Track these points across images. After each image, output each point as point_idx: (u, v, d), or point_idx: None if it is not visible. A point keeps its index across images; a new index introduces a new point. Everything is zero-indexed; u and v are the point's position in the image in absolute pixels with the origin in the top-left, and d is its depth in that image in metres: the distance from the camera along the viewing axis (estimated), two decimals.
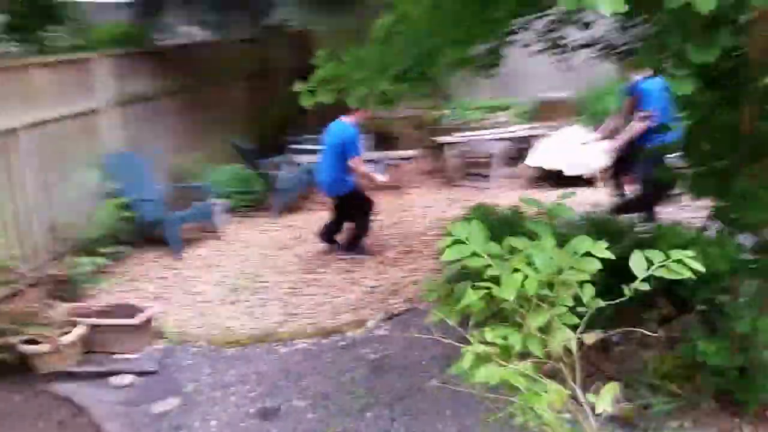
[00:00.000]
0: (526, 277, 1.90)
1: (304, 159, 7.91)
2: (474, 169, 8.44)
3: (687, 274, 1.85)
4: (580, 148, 7.79)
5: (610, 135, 6.35)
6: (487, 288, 1.91)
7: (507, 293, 1.84)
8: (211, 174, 7.53)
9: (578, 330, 1.92)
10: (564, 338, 1.87)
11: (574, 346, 1.88)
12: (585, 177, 7.69)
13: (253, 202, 7.67)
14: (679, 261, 1.88)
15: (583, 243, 2.00)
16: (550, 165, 7.80)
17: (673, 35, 2.36)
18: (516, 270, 1.92)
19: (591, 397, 1.86)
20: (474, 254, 2.04)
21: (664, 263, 1.89)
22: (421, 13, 3.59)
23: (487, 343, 1.89)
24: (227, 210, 7.33)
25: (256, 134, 8.59)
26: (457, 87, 10.64)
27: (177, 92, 7.63)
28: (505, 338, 1.88)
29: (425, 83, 3.17)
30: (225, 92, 8.65)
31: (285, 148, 8.42)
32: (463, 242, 2.06)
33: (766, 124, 2.90)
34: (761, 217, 2.90)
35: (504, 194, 7.69)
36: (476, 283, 1.95)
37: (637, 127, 5.78)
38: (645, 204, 5.86)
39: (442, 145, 8.76)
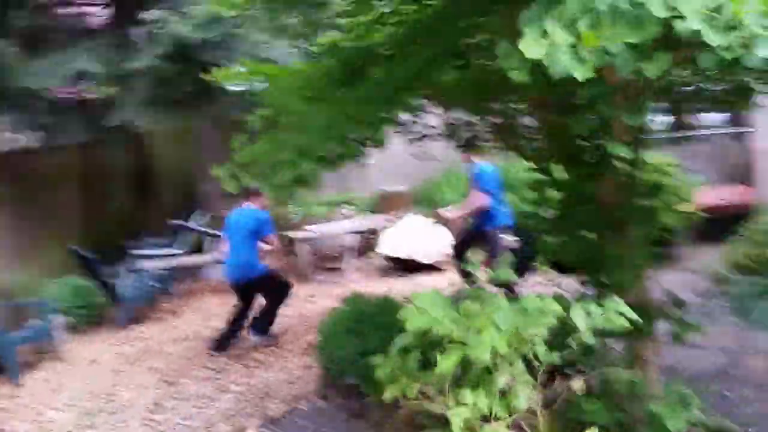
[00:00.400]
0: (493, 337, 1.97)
1: (149, 265, 7.54)
2: (327, 262, 8.54)
3: (621, 323, 2.03)
4: (425, 235, 8.25)
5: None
6: (460, 352, 1.96)
7: (482, 353, 1.90)
8: (48, 288, 6.92)
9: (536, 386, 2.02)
10: (527, 396, 1.95)
11: (538, 406, 1.97)
12: (433, 263, 8.10)
13: (95, 316, 7.13)
14: (618, 311, 2.06)
15: (532, 302, 2.13)
16: (399, 253, 8.11)
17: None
18: (481, 331, 1.99)
19: None
20: (436, 321, 2.09)
21: (604, 313, 2.06)
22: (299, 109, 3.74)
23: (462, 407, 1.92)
24: (67, 326, 6.72)
25: (96, 240, 8.09)
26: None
27: (5, 203, 7.04)
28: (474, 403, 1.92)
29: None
30: (61, 198, 8.11)
31: (127, 254, 7.99)
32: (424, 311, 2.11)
33: (626, 195, 3.31)
34: (628, 279, 3.25)
35: (360, 284, 7.87)
36: (445, 349, 1.99)
37: (471, 203, 6.40)
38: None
39: (292, 240, 8.79)
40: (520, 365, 2.04)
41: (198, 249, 8.73)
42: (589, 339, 2.07)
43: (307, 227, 8.88)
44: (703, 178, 8.93)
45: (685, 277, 7.01)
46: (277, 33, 7.53)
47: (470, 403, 1.93)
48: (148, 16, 6.77)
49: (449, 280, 7.24)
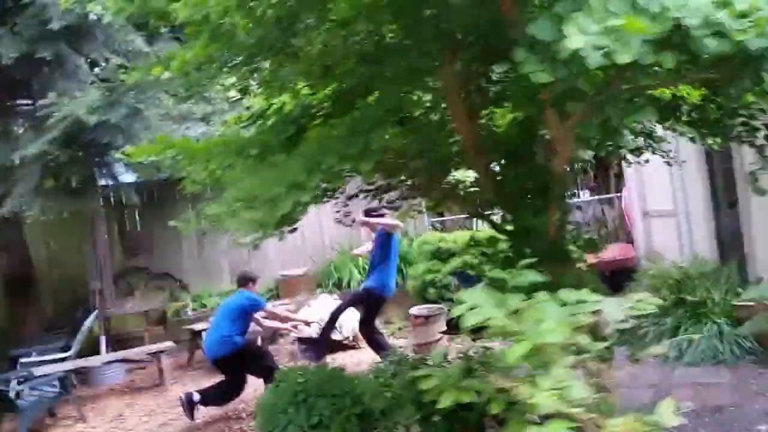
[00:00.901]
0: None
1: (43, 370, 6.79)
2: None
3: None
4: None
5: None
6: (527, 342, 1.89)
7: (555, 337, 1.85)
8: None
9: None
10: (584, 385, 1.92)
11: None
12: (349, 341, 7.96)
13: None
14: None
15: (569, 294, 2.12)
16: (314, 333, 7.87)
17: None
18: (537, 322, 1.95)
19: None
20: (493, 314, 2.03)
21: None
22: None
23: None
24: None
25: None
26: (193, 277, 10.48)
27: None
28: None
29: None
30: None
31: (17, 362, 7.18)
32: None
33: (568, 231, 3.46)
34: None
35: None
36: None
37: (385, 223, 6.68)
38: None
39: (196, 333, 8.30)
40: (571, 356, 2.02)
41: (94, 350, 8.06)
42: (624, 325, 2.11)
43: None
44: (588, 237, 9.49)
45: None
46: (179, 115, 7.49)
47: (547, 387, 1.88)
48: (42, 101, 6.44)
49: (369, 357, 7.15)
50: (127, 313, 9.24)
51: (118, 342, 8.79)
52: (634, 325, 6.51)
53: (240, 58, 3.67)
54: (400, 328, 8.77)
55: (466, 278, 6.59)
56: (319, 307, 8.22)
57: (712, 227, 7.21)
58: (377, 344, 6.83)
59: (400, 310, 9.32)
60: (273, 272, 10.45)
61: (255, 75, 4.03)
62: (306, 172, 2.43)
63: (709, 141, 4.47)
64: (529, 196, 3.50)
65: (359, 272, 9.72)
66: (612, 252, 9.44)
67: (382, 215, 6.69)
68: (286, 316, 6.95)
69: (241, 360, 6.04)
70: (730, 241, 6.91)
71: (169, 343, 7.81)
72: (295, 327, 7.23)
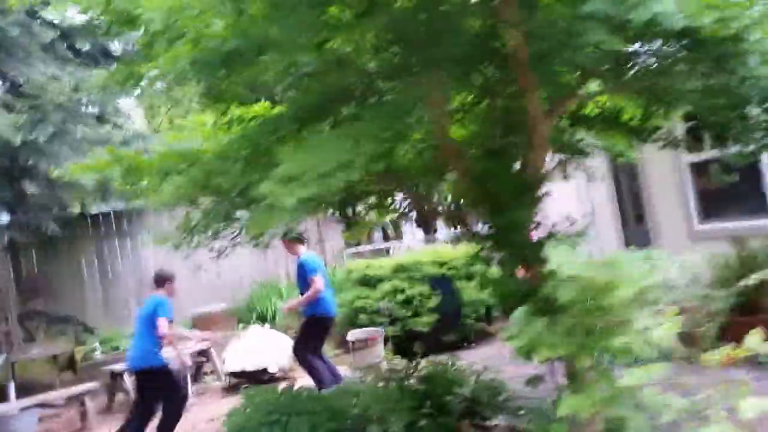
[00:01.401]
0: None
1: None
2: None
3: None
4: (272, 345, 7.98)
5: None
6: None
7: (648, 281, 1.99)
8: None
9: None
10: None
11: None
12: (285, 372, 7.82)
13: None
14: None
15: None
16: (248, 366, 7.69)
17: None
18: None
19: None
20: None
21: None
22: None
23: None
24: None
25: None
26: (99, 320, 9.91)
27: None
28: None
29: None
30: None
31: None
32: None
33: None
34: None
35: (211, 406, 7.30)
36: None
37: (311, 292, 6.51)
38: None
39: (115, 375, 7.83)
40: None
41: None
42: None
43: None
44: None
45: None
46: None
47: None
48: None
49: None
50: (34, 358, 8.56)
51: (24, 390, 8.09)
52: None
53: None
54: (331, 357, 8.69)
55: (440, 282, 6.57)
56: (255, 339, 8.04)
57: (622, 243, 7.84)
58: (317, 373, 6.71)
59: (328, 338, 9.28)
60: (186, 311, 10.08)
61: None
62: (350, 152, 2.42)
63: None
64: (511, 192, 3.69)
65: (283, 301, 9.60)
66: None
67: (297, 241, 6.66)
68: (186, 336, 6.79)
69: (164, 377, 5.78)
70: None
71: (92, 384, 7.32)
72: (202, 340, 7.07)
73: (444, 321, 5.80)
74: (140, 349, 5.81)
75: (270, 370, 7.70)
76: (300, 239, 6.77)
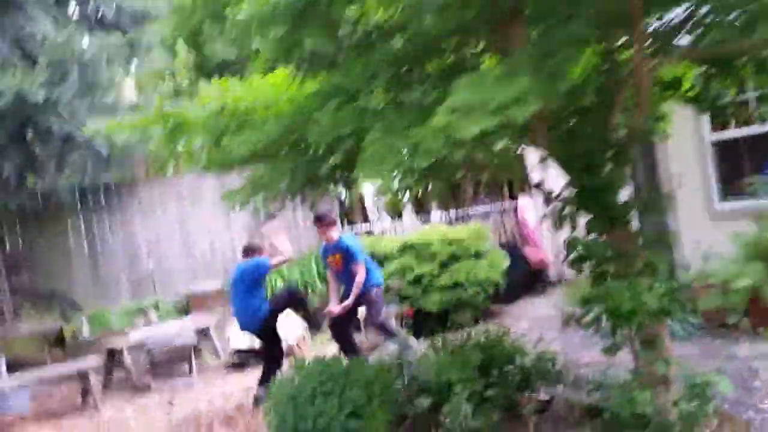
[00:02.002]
0: None
1: None
2: (164, 368, 7.43)
3: None
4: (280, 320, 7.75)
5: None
6: None
7: None
8: None
9: None
10: None
11: None
12: (297, 345, 7.61)
13: None
14: None
15: None
16: (256, 344, 7.43)
17: None
18: None
19: None
20: None
21: None
22: None
23: None
24: None
25: None
26: (87, 296, 9.51)
27: None
28: None
29: None
30: None
31: None
32: None
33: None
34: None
35: (220, 383, 7.07)
36: None
37: (357, 281, 6.19)
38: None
39: (113, 352, 7.50)
40: None
41: None
42: None
43: (131, 332, 7.70)
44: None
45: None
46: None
47: None
48: None
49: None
50: (22, 335, 8.15)
51: (12, 367, 7.70)
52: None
53: None
54: None
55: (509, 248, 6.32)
56: None
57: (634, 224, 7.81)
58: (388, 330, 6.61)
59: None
60: (181, 288, 9.75)
61: None
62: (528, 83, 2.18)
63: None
64: (604, 152, 3.55)
65: (283, 281, 9.34)
66: (535, 254, 9.95)
67: (333, 223, 6.41)
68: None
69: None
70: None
71: (95, 360, 6.98)
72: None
73: (512, 285, 5.63)
74: (249, 311, 6.10)
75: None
76: (334, 222, 6.47)
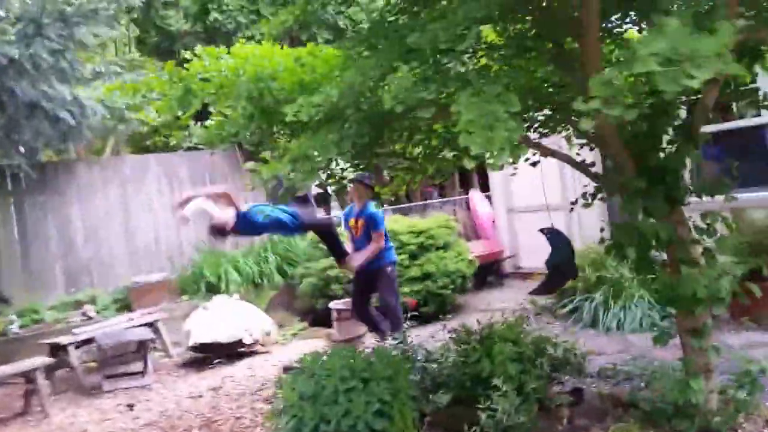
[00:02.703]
0: None
1: None
2: (114, 368, 6.79)
3: None
4: (242, 315, 7.29)
5: None
6: None
7: None
8: None
9: None
10: None
11: None
12: (259, 343, 7.16)
13: None
14: None
15: None
16: (220, 337, 6.93)
17: None
18: None
19: None
20: None
21: None
22: None
23: None
24: None
25: None
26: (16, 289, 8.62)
27: None
28: None
29: None
30: None
31: None
32: None
33: None
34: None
35: (177, 382, 6.54)
36: None
37: (373, 247, 6.03)
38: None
39: (56, 348, 6.77)
40: None
41: None
42: None
43: (76, 329, 6.99)
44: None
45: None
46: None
47: None
48: None
49: (286, 359, 6.53)
50: None
51: None
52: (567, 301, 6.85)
53: None
54: (302, 329, 8.11)
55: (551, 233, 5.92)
56: (222, 310, 7.28)
57: (605, 215, 7.87)
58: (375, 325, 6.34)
59: (287, 312, 8.67)
60: (120, 279, 9.03)
61: None
62: None
63: None
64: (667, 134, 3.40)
65: (238, 273, 8.83)
66: (487, 246, 9.86)
67: (371, 188, 6.07)
68: None
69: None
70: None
71: (42, 359, 6.26)
72: None
73: (557, 272, 5.24)
74: None
75: (245, 342, 7.01)
76: (372, 188, 6.06)
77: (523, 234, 9.88)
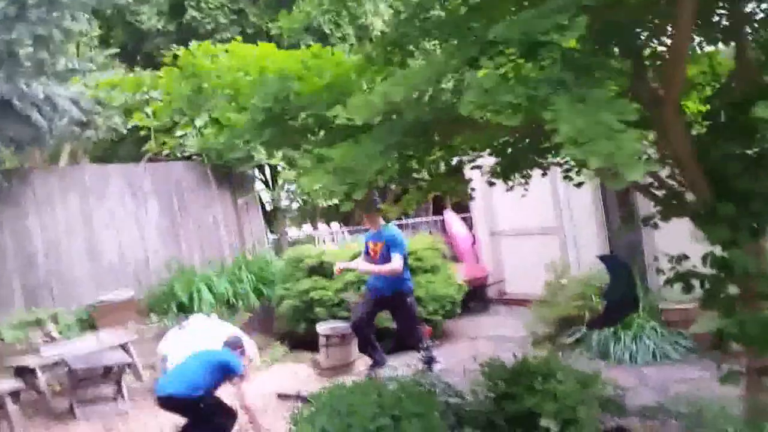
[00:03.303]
0: None
1: None
2: (87, 391, 6.20)
3: None
4: (218, 339, 6.78)
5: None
6: None
7: None
8: None
9: None
10: None
11: None
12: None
13: None
14: None
15: None
16: None
17: None
18: None
19: None
20: None
21: None
22: None
23: None
24: None
25: None
26: None
27: None
28: None
29: None
30: None
31: None
32: None
33: None
34: None
35: (160, 411, 5.94)
36: None
37: (389, 267, 5.87)
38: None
39: (22, 371, 6.14)
40: None
41: None
42: None
43: (43, 351, 6.37)
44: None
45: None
46: None
47: None
48: None
49: (272, 385, 6.11)
50: None
51: None
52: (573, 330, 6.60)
53: None
54: (283, 354, 7.63)
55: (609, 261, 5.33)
56: (201, 329, 6.76)
57: (605, 238, 7.68)
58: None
59: (264, 335, 8.18)
60: (83, 297, 8.37)
61: None
62: None
63: None
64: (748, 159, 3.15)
65: (211, 292, 8.29)
66: (469, 270, 9.57)
67: (380, 210, 5.91)
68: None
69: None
70: (626, 255, 7.41)
71: (11, 382, 5.64)
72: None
73: (617, 305, 4.53)
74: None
75: None
76: (381, 210, 6.01)
77: (510, 258, 9.65)
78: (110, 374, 6.33)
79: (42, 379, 6.09)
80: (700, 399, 3.97)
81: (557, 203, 8.35)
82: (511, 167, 4.15)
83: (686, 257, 3.66)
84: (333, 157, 2.92)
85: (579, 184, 4.19)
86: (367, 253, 6.26)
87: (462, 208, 11.60)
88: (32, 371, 6.08)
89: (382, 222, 6.08)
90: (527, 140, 3.91)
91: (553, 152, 3.90)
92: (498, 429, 3.72)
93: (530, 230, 8.92)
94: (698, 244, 3.28)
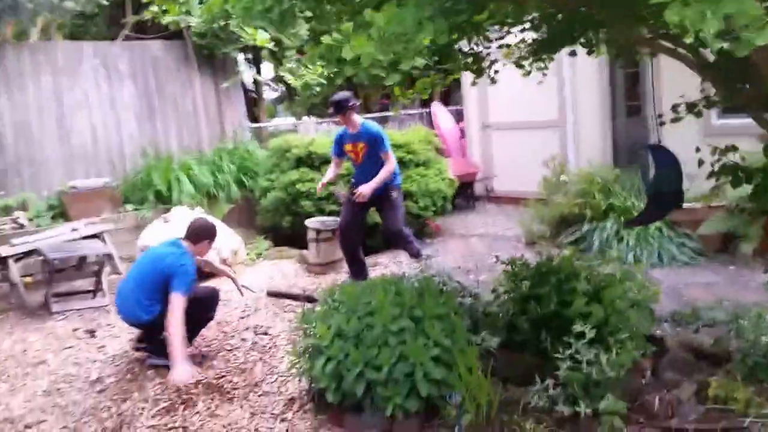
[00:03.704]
0: None
1: None
2: (64, 285, 5.85)
3: None
4: None
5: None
6: None
7: None
8: None
9: None
10: None
11: None
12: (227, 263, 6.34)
13: None
14: None
15: None
16: None
17: None
18: None
19: None
20: None
21: None
22: None
23: None
24: None
25: None
26: None
27: None
28: None
29: None
30: None
31: None
32: None
33: None
34: None
35: None
36: None
37: (386, 170, 5.37)
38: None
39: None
40: None
41: None
42: None
43: (14, 240, 5.94)
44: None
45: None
46: None
47: None
48: None
49: (260, 282, 5.84)
50: None
51: None
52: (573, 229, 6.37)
53: None
54: (267, 249, 7.32)
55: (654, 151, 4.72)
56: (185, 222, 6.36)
57: (608, 136, 7.37)
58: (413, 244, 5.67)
59: (247, 229, 7.84)
60: (53, 183, 7.85)
61: None
62: None
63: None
64: None
65: (191, 182, 7.84)
66: (455, 166, 9.19)
67: (355, 107, 5.35)
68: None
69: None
70: (628, 149, 7.13)
71: None
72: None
73: (662, 199, 4.04)
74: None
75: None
76: (356, 106, 5.41)
77: (501, 154, 9.31)
78: (85, 266, 5.97)
79: (14, 270, 5.69)
80: (731, 305, 3.77)
81: (562, 96, 7.93)
82: (549, 44, 3.70)
83: (735, 148, 3.39)
84: (378, 22, 2.44)
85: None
86: (339, 155, 5.67)
87: (448, 100, 11.10)
88: (4, 261, 5.68)
89: (359, 120, 5.46)
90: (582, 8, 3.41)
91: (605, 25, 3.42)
92: (521, 333, 3.48)
93: (528, 124, 8.52)
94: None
